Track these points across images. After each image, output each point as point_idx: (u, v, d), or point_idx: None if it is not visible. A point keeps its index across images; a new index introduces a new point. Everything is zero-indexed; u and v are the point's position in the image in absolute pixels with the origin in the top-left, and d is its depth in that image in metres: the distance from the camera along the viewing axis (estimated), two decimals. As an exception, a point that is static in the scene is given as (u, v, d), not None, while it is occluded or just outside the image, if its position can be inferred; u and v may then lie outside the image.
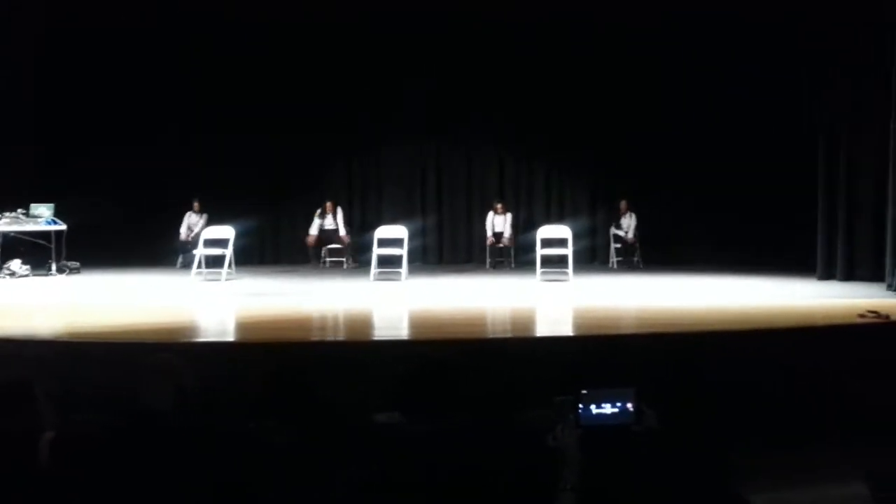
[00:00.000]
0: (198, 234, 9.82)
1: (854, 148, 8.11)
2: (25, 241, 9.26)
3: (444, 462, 2.47)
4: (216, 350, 5.14)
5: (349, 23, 10.18)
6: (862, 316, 5.75)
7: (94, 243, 9.78)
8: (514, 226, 10.37)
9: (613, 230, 10.38)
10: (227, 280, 8.81)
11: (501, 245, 10.33)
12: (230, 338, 5.88)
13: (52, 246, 9.27)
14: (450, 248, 11.08)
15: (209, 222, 9.93)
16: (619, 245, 10.40)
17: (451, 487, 2.43)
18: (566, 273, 8.79)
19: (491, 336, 5.86)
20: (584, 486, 2.36)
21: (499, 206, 10.33)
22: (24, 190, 9.52)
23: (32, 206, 9.36)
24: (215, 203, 10.28)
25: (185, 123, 10.37)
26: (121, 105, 10.34)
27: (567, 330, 6.38)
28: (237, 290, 8.19)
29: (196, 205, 10.27)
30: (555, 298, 7.68)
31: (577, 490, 2.36)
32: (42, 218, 9.32)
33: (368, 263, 9.19)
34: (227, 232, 9.22)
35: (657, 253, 10.44)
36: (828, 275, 8.30)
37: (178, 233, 10.17)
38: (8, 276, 8.92)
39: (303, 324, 6.30)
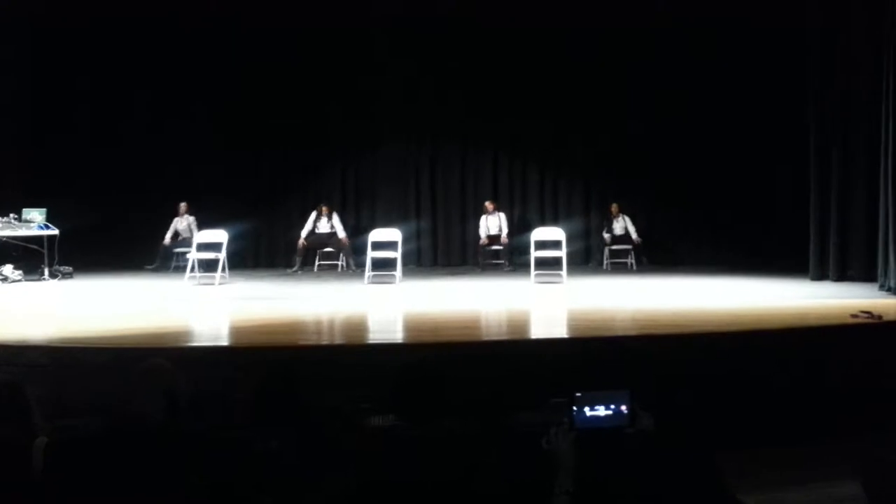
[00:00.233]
0: (185, 240, 9.79)
1: (846, 149, 8.13)
2: (18, 245, 9.22)
3: (438, 465, 2.46)
4: (209, 355, 5.12)
5: (343, 25, 10.17)
6: (855, 316, 5.76)
7: (86, 248, 9.75)
8: (510, 223, 10.37)
9: (605, 234, 10.39)
10: (220, 284, 8.79)
11: (498, 247, 10.33)
12: (223, 342, 5.86)
13: (45, 251, 9.23)
14: (444, 250, 11.08)
15: (201, 225, 9.87)
16: (612, 247, 10.41)
17: (445, 491, 2.42)
18: (560, 275, 8.80)
19: (485, 339, 5.85)
20: (579, 489, 2.36)
21: (488, 205, 10.32)
22: (16, 195, 9.48)
23: (24, 210, 9.32)
24: (209, 207, 10.25)
25: (178, 127, 10.33)
26: (113, 109, 10.32)
27: (561, 332, 6.38)
28: (231, 294, 8.17)
29: (182, 207, 10.13)
30: (549, 300, 7.68)
31: (572, 493, 2.36)
32: (34, 223, 9.28)
33: (363, 266, 9.18)
34: (220, 236, 9.20)
35: (650, 254, 10.47)
36: (820, 275, 8.32)
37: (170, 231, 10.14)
38: (0, 282, 8.88)
39: (296, 328, 6.29)
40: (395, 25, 10.17)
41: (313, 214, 10.14)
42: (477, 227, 10.44)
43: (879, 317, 5.72)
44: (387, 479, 2.46)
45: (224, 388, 4.12)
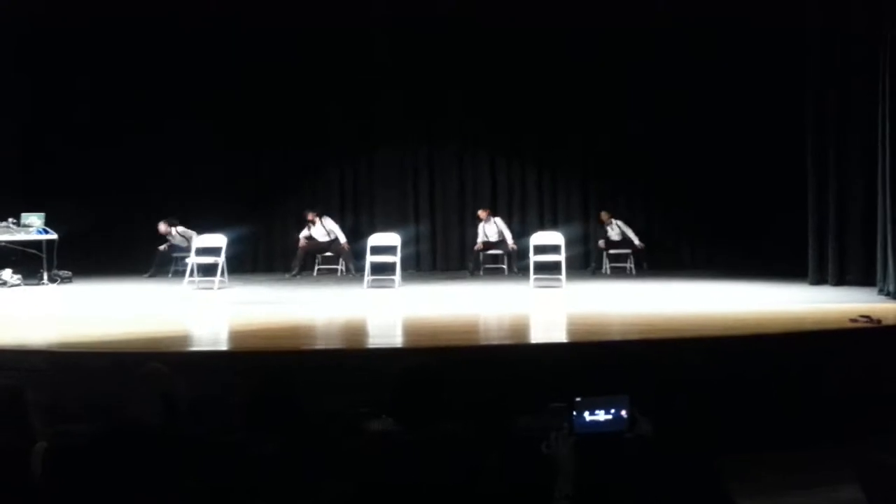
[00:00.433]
0: (183, 247, 9.76)
1: (843, 153, 8.15)
2: (16, 250, 9.21)
3: (437, 470, 2.46)
4: (207, 359, 5.12)
5: (341, 28, 10.18)
6: (854, 320, 5.76)
7: (85, 252, 9.75)
8: (508, 227, 10.37)
9: (600, 242, 10.39)
10: (219, 288, 8.78)
11: (497, 251, 10.33)
12: (222, 347, 5.85)
13: (44, 255, 9.22)
14: (443, 254, 11.08)
15: (200, 230, 9.83)
16: (611, 251, 10.42)
17: (444, 495, 2.42)
18: (559, 279, 8.80)
19: (484, 343, 5.85)
20: (579, 494, 2.36)
21: (482, 213, 10.27)
22: (15, 199, 9.48)
23: (23, 215, 9.32)
24: (207, 210, 10.25)
25: (177, 131, 10.33)
26: (112, 113, 10.31)
27: (561, 337, 6.37)
28: (230, 299, 8.16)
29: (164, 226, 9.94)
30: (548, 305, 7.68)
31: (572, 498, 2.36)
32: (33, 227, 9.28)
33: (362, 271, 9.19)
34: (219, 240, 9.19)
35: (650, 259, 10.48)
36: (819, 279, 8.33)
37: (165, 243, 10.11)
38: (-1, 286, 8.89)
39: (296, 332, 6.28)
40: (394, 27, 10.18)
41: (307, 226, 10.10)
42: (475, 231, 10.43)
43: (878, 321, 5.72)
44: (386, 483, 2.46)
45: (222, 392, 4.12)
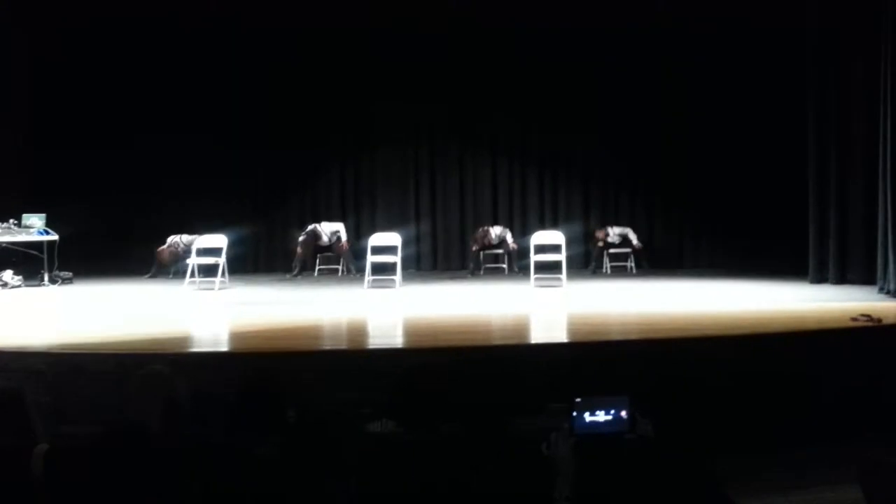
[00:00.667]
0: (184, 249, 9.74)
1: (844, 152, 8.14)
2: (17, 251, 9.22)
3: (437, 471, 2.46)
4: (208, 360, 5.12)
5: (341, 28, 10.17)
6: (854, 319, 5.76)
7: (86, 253, 9.75)
8: (510, 227, 10.37)
9: (601, 244, 10.38)
10: (220, 289, 8.79)
11: (498, 251, 10.34)
12: (223, 348, 5.86)
13: (45, 256, 9.23)
14: (444, 254, 11.08)
15: (201, 230, 9.82)
16: (611, 251, 10.41)
17: (444, 496, 2.42)
18: (560, 279, 8.80)
19: (485, 343, 5.84)
20: (579, 495, 2.36)
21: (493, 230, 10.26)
22: (16, 200, 9.48)
23: (24, 216, 9.33)
24: (208, 211, 10.25)
25: (177, 131, 10.33)
26: (111, 113, 10.31)
27: (561, 336, 6.37)
28: (230, 299, 8.16)
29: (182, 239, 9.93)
30: (549, 305, 7.68)
31: (572, 499, 2.36)
32: (34, 228, 9.28)
33: (363, 271, 9.19)
34: (220, 240, 9.19)
35: (650, 258, 10.48)
36: (820, 278, 8.33)
37: (165, 243, 10.09)
38: (0, 287, 8.89)
39: (296, 333, 6.28)
40: (394, 26, 10.16)
41: (324, 228, 10.08)
42: (476, 232, 10.42)
43: (879, 320, 5.72)
44: (387, 484, 2.46)
45: (223, 393, 4.12)
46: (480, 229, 10.33)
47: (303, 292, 8.65)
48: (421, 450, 2.60)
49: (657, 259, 10.53)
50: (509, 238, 10.20)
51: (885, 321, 5.74)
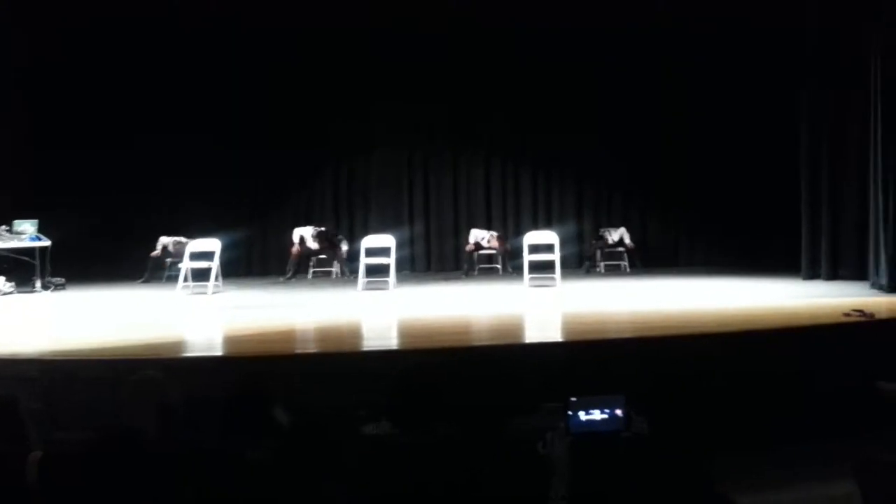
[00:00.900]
0: (175, 252, 9.71)
1: (836, 149, 8.18)
2: (9, 257, 9.17)
3: (433, 472, 2.46)
4: (201, 365, 5.10)
5: (337, 29, 10.15)
6: (847, 315, 5.78)
7: (79, 259, 9.70)
8: (503, 228, 10.37)
9: (605, 247, 10.40)
10: (213, 293, 8.76)
11: (491, 251, 10.34)
12: (217, 352, 5.84)
13: (37, 262, 9.18)
14: (437, 256, 11.07)
15: (194, 234, 9.79)
16: (605, 250, 10.44)
17: (441, 497, 2.42)
18: (554, 279, 8.81)
19: (479, 343, 5.85)
20: (575, 494, 2.37)
21: (498, 235, 10.24)
22: (7, 206, 9.43)
23: (16, 222, 9.27)
24: (201, 215, 10.22)
25: (169, 135, 10.29)
26: (104, 117, 10.26)
27: (556, 336, 6.38)
28: (224, 303, 8.14)
29: (177, 244, 9.86)
30: (543, 304, 7.68)
31: (568, 498, 2.36)
32: (26, 234, 9.22)
33: (357, 273, 9.17)
34: (213, 244, 9.17)
35: (643, 257, 10.50)
36: (812, 274, 8.36)
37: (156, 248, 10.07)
38: (-8, 294, 8.84)
39: (291, 336, 6.28)
40: (389, 33, 10.14)
41: (304, 231, 10.05)
42: (468, 233, 10.43)
43: (872, 315, 5.75)
44: (383, 485, 2.45)
45: (217, 398, 4.11)
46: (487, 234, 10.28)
47: (297, 295, 8.64)
48: (417, 451, 2.60)
49: (652, 258, 10.55)
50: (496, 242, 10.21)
51: (877, 316, 5.77)
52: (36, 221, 9.32)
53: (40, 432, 3.11)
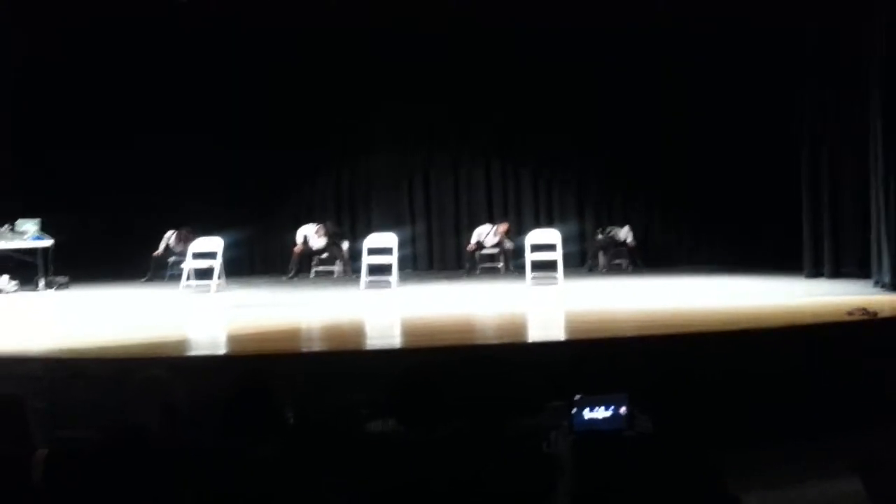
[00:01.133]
0: (179, 252, 9.71)
1: (837, 147, 8.18)
2: (12, 257, 9.18)
3: (438, 470, 2.47)
4: (205, 364, 5.11)
5: (339, 29, 10.14)
6: (850, 313, 5.78)
7: (82, 258, 9.71)
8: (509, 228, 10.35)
9: (600, 241, 10.39)
10: (216, 292, 8.77)
11: (493, 250, 10.33)
12: (220, 351, 5.85)
13: (40, 261, 9.19)
14: (439, 254, 11.08)
15: (197, 233, 9.79)
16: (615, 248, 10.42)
17: (445, 495, 2.43)
18: (556, 277, 8.80)
19: (482, 342, 5.85)
20: (579, 492, 2.37)
21: (502, 227, 10.19)
22: (10, 205, 9.44)
23: (18, 221, 9.28)
24: (204, 214, 10.23)
25: (171, 134, 10.30)
26: (106, 117, 10.27)
27: (559, 335, 6.38)
28: (227, 302, 8.15)
29: (183, 233, 9.87)
30: (546, 303, 7.68)
31: (572, 496, 2.36)
32: (28, 233, 9.23)
33: (359, 272, 9.18)
34: (215, 243, 9.17)
35: (645, 255, 10.49)
36: (815, 273, 8.36)
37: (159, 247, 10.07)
38: (-5, 293, 8.86)
39: (293, 334, 6.28)
40: (389, 33, 10.14)
41: (307, 229, 10.06)
42: (470, 231, 10.43)
43: (875, 313, 5.74)
44: (386, 483, 2.46)
45: (221, 396, 4.12)
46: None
47: (299, 294, 8.65)
48: (421, 449, 2.61)
49: (654, 256, 10.54)
50: (506, 241, 10.19)
51: (880, 314, 5.76)
52: (38, 220, 9.33)
53: (45, 431, 3.13)
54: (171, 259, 9.98)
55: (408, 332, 6.48)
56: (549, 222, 10.69)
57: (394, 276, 9.02)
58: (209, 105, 10.38)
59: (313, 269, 10.38)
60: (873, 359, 5.23)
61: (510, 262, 10.21)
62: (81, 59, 10.12)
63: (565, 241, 9.52)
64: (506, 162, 11.09)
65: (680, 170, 10.47)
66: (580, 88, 10.45)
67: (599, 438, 2.49)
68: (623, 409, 2.54)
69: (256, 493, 2.47)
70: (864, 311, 5.77)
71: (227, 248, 9.28)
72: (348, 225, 10.95)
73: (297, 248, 10.06)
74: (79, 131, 10.20)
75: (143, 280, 9.88)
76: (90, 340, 5.68)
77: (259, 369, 4.66)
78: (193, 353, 5.65)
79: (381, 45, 10.31)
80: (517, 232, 10.44)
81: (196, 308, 7.83)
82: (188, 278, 8.88)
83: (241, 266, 10.55)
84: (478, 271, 10.26)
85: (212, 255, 9.02)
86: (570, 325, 6.61)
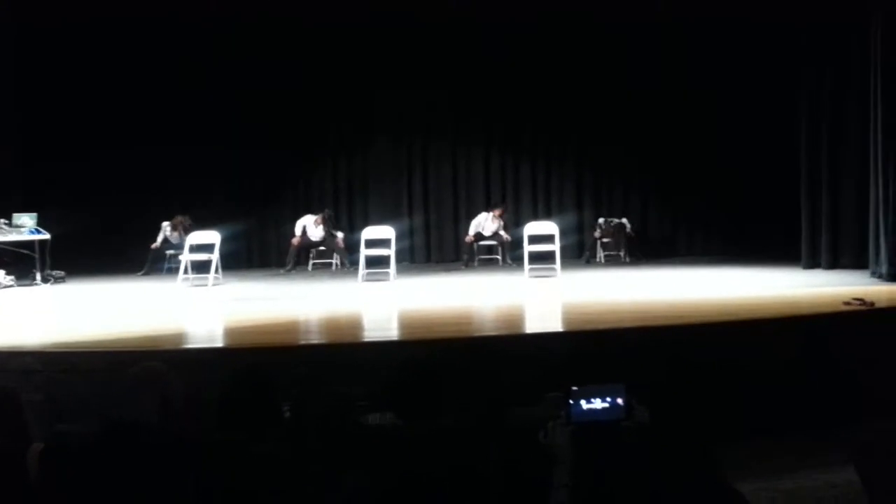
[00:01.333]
0: (176, 244, 9.69)
1: (836, 138, 8.17)
2: (9, 251, 9.16)
3: (435, 462, 2.46)
4: (202, 356, 5.11)
5: (333, 23, 10.12)
6: (847, 303, 5.79)
7: (79, 252, 9.70)
8: (505, 227, 10.33)
9: (597, 234, 10.38)
10: (213, 285, 8.76)
11: (491, 242, 10.32)
12: (217, 344, 5.84)
13: (37, 255, 9.18)
14: (437, 247, 11.08)
15: (193, 227, 9.77)
16: (605, 240, 10.43)
17: (443, 487, 2.43)
18: (554, 269, 8.81)
19: (480, 334, 5.85)
20: (577, 483, 2.37)
21: (497, 212, 10.15)
22: (7, 199, 9.42)
23: (15, 215, 9.26)
24: (201, 207, 10.21)
25: (168, 128, 10.27)
26: (102, 111, 10.24)
27: (556, 326, 6.38)
28: (224, 296, 8.14)
29: (178, 220, 9.88)
30: (543, 294, 7.69)
31: (570, 487, 2.36)
32: (25, 227, 9.22)
33: (357, 264, 9.18)
34: (212, 237, 9.16)
35: (643, 246, 10.50)
36: (812, 263, 8.37)
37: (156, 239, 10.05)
38: (-8, 288, 8.85)
39: (291, 327, 6.28)
40: (387, 23, 10.11)
41: (315, 218, 10.04)
42: (469, 223, 10.41)
43: (872, 304, 5.76)
44: (384, 475, 2.46)
45: (219, 389, 4.12)
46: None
47: (297, 287, 8.64)
48: (419, 441, 2.61)
49: (652, 247, 10.55)
50: (503, 231, 10.17)
51: (877, 305, 5.78)
52: (35, 215, 9.31)
53: (41, 424, 3.11)
54: (169, 252, 9.97)
55: (405, 324, 6.48)
56: (546, 214, 10.70)
57: (392, 268, 9.01)
58: (206, 97, 10.34)
59: (311, 262, 10.37)
60: (870, 349, 5.24)
61: (508, 254, 10.21)
62: (82, 59, 10.08)
63: (563, 233, 9.52)
64: (504, 153, 11.08)
65: (678, 160, 10.48)
66: (579, 78, 10.44)
67: (597, 429, 2.49)
68: (620, 400, 2.53)
69: (254, 486, 2.46)
70: (862, 301, 5.78)
71: (224, 241, 9.27)
72: (346, 217, 10.93)
73: (296, 241, 10.05)
74: (76, 126, 10.18)
75: (139, 274, 9.87)
76: (87, 334, 5.67)
77: (256, 362, 4.66)
78: (191, 346, 5.65)
79: (379, 36, 10.28)
80: (515, 223, 10.43)
81: (193, 301, 7.83)
82: (185, 271, 8.87)
83: (239, 259, 10.54)
84: (475, 263, 10.26)
85: (209, 249, 9.01)
86: (568, 317, 6.62)
